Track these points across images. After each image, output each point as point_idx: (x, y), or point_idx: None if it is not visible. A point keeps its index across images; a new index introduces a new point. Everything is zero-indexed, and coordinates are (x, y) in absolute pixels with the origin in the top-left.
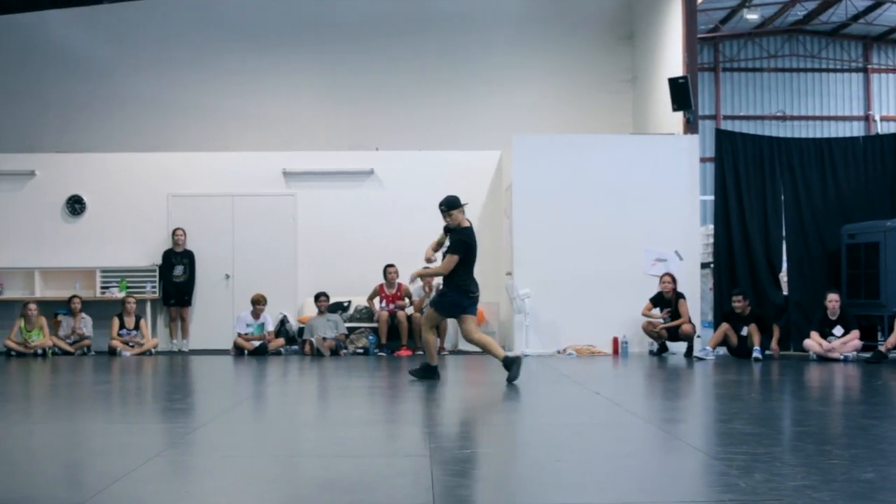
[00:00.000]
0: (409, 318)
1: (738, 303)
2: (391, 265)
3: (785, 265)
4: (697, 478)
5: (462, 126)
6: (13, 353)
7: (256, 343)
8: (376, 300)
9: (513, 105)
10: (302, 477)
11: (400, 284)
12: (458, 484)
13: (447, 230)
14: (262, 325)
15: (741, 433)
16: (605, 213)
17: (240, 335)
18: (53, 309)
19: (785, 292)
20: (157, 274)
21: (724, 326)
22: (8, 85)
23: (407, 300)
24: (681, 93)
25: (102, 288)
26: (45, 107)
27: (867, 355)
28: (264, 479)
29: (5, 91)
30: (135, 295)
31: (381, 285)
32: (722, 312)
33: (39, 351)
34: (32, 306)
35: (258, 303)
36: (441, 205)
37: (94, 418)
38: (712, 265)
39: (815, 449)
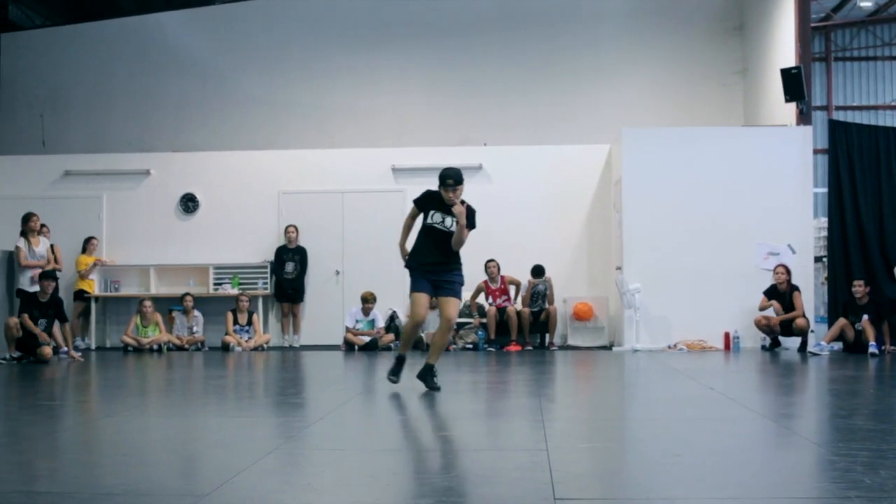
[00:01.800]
0: (518, 313)
1: (860, 288)
2: (491, 260)
3: None
4: (819, 473)
5: (570, 120)
6: (130, 348)
7: (367, 339)
8: (481, 297)
9: (621, 98)
10: (420, 471)
11: (503, 277)
12: (577, 477)
13: (424, 207)
14: (373, 322)
15: (862, 429)
16: (717, 206)
17: (348, 329)
18: (168, 305)
19: None
20: (268, 270)
21: (842, 321)
22: (124, 87)
23: (513, 288)
24: (793, 83)
25: (215, 284)
26: (160, 107)
27: None
28: (384, 473)
29: (122, 92)
30: (247, 292)
31: (486, 281)
32: (838, 304)
33: (155, 346)
34: (148, 303)
35: (367, 301)
36: (449, 177)
37: (210, 412)
38: (825, 259)
39: None
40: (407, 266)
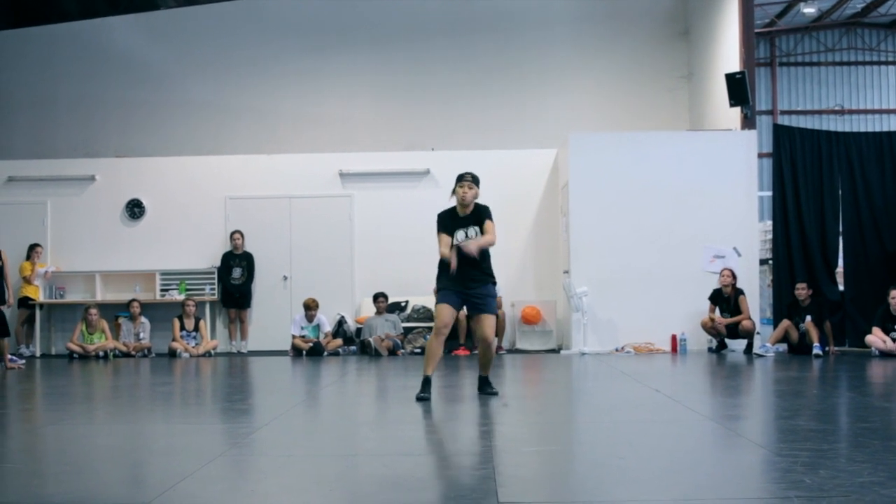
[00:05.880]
0: (467, 318)
1: (802, 290)
2: None
3: (841, 261)
4: (762, 474)
5: (518, 125)
6: (75, 355)
7: (312, 344)
8: (432, 301)
9: (569, 103)
10: (364, 476)
11: None
12: (520, 482)
13: (448, 230)
14: (317, 327)
15: (804, 430)
16: (663, 210)
17: (294, 337)
18: (114, 312)
19: (841, 288)
20: (215, 276)
21: (786, 323)
22: (68, 91)
23: None
24: (738, 88)
25: (162, 290)
26: (105, 112)
27: None
28: (327, 479)
29: (67, 97)
30: (194, 297)
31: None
32: (783, 305)
33: (101, 353)
34: (93, 311)
35: (310, 308)
36: (468, 174)
37: (155, 419)
38: (770, 261)
39: (881, 445)
40: (436, 290)
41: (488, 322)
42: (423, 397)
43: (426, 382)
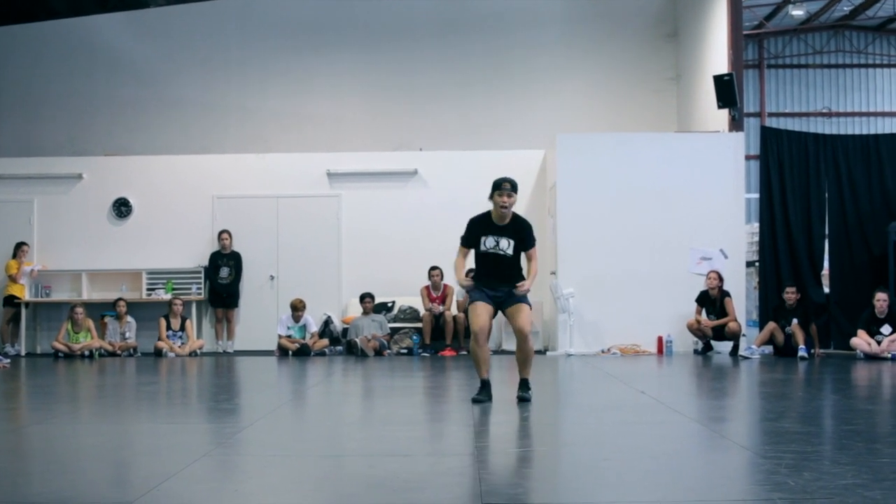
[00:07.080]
0: (454, 318)
1: (791, 294)
2: (435, 268)
3: (827, 263)
4: (746, 476)
5: (506, 126)
6: (60, 354)
7: (298, 344)
8: (419, 302)
9: (557, 104)
10: (349, 476)
11: (445, 286)
12: (505, 483)
13: (474, 239)
14: (304, 328)
15: (789, 432)
16: (650, 211)
17: (281, 337)
18: (100, 311)
19: (826, 290)
20: (202, 275)
21: (771, 325)
22: (57, 89)
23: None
24: (726, 90)
25: (148, 290)
26: (92, 110)
27: None
28: (312, 479)
29: (54, 95)
30: (181, 297)
31: (427, 287)
32: (769, 308)
33: (86, 352)
34: (79, 310)
35: (297, 308)
36: (507, 181)
37: (141, 419)
38: (757, 263)
39: (864, 447)
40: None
41: (523, 312)
42: (480, 399)
43: (484, 385)
